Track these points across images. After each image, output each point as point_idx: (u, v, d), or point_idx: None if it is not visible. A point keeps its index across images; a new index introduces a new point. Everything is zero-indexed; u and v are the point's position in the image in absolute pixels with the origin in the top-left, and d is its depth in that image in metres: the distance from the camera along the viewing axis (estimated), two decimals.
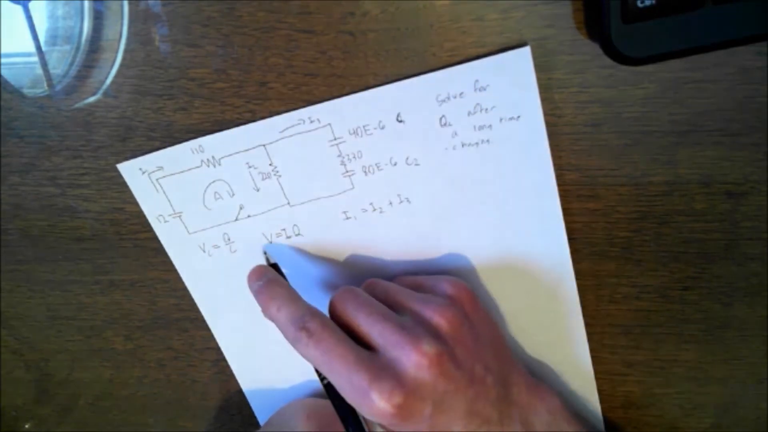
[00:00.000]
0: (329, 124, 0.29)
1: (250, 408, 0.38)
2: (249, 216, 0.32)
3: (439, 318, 0.26)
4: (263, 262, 0.33)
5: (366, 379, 0.25)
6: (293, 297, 0.28)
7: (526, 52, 0.26)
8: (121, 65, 0.29)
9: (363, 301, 0.27)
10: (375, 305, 0.27)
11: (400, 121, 0.28)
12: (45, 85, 0.29)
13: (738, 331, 0.31)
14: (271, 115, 0.29)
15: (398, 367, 0.25)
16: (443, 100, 0.27)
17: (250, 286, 0.30)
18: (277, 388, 0.37)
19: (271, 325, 0.35)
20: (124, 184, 0.32)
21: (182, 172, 0.31)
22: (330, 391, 0.27)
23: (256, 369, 0.37)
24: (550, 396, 0.30)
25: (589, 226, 0.30)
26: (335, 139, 0.29)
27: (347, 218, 0.31)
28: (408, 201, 0.30)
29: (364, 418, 0.27)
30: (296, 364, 0.36)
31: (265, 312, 0.29)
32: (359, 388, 0.25)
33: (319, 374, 0.28)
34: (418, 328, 0.26)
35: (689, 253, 0.30)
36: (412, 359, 0.25)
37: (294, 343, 0.27)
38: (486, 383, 0.27)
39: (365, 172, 0.30)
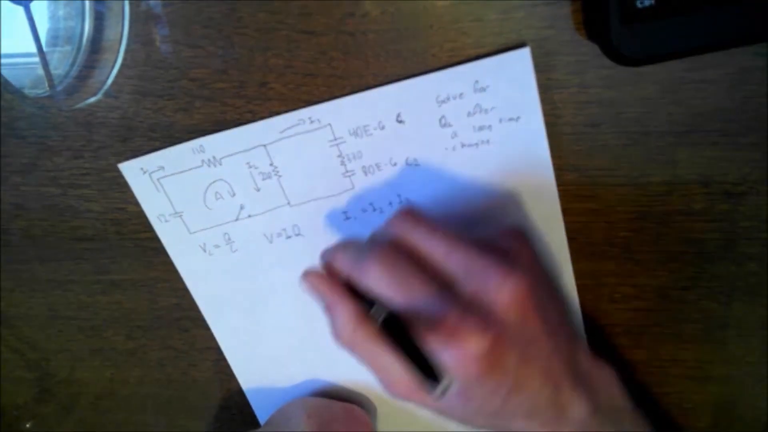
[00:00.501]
0: (329, 125, 0.29)
1: (250, 407, 0.38)
2: (249, 216, 0.32)
3: (520, 248, 0.24)
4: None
5: (455, 316, 0.22)
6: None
7: (525, 52, 0.26)
8: (122, 66, 0.29)
9: (430, 225, 0.24)
10: (444, 228, 0.24)
11: (400, 122, 0.28)
12: (46, 85, 0.29)
13: (737, 331, 0.31)
14: (271, 116, 0.29)
15: (487, 299, 0.22)
16: (443, 101, 0.27)
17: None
18: (278, 388, 0.37)
19: (271, 324, 0.35)
20: (125, 184, 0.32)
21: (183, 171, 0.31)
22: (392, 325, 0.23)
23: (257, 368, 0.37)
24: (609, 367, 0.28)
25: (588, 226, 0.30)
26: (335, 139, 0.29)
27: (347, 218, 0.31)
28: (408, 201, 0.30)
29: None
30: (296, 364, 0.37)
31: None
32: (445, 327, 0.22)
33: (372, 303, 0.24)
34: (501, 256, 0.23)
35: (688, 253, 0.30)
36: (505, 290, 0.22)
37: (366, 269, 0.24)
38: (559, 337, 0.24)
39: (365, 172, 0.30)
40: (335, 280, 0.26)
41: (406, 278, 0.23)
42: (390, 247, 0.24)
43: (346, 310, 0.25)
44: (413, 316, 0.23)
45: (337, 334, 0.26)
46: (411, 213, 0.25)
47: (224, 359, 0.37)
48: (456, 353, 0.22)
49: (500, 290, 0.22)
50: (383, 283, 0.24)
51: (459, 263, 0.23)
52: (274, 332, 0.35)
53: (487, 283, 0.22)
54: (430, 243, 0.24)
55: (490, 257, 0.23)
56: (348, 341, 0.25)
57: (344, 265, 0.26)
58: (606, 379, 0.27)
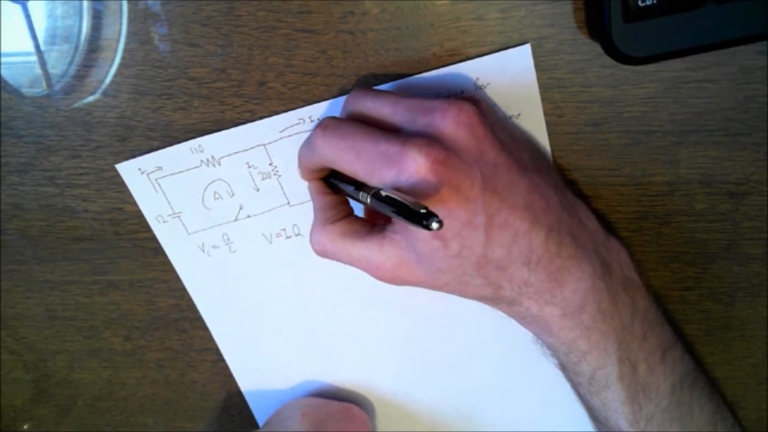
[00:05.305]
0: None
1: (249, 408, 0.38)
2: (249, 216, 0.32)
3: (468, 98, 0.24)
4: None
5: (399, 142, 0.21)
6: None
7: (526, 49, 0.26)
8: (120, 65, 0.29)
9: (377, 91, 0.25)
10: (391, 92, 0.25)
11: None
12: (44, 84, 0.29)
13: (739, 332, 0.31)
14: (270, 115, 0.29)
15: (433, 129, 0.22)
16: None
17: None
18: (276, 389, 0.37)
19: (270, 325, 0.35)
20: (123, 184, 0.31)
21: (181, 172, 0.31)
22: (379, 198, 0.22)
23: (255, 369, 0.37)
24: (621, 242, 0.27)
25: None
26: None
27: None
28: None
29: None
30: (296, 364, 0.36)
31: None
32: (392, 155, 0.21)
33: (359, 191, 0.24)
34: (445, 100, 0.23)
35: (690, 253, 0.30)
36: (449, 116, 0.22)
37: (312, 144, 0.24)
38: (537, 177, 0.24)
39: None
40: (314, 181, 0.27)
41: (353, 136, 0.23)
42: (330, 118, 0.24)
43: (314, 215, 0.27)
44: (372, 169, 0.22)
45: (311, 247, 0.27)
46: (358, 89, 0.26)
47: (223, 360, 0.36)
48: (409, 170, 0.21)
49: (445, 116, 0.22)
50: (336, 151, 0.23)
51: (405, 112, 0.23)
52: (273, 333, 0.35)
53: (433, 117, 0.22)
54: (375, 105, 0.24)
55: (432, 101, 0.23)
56: (320, 250, 0.26)
57: (302, 155, 0.26)
58: (616, 248, 0.26)
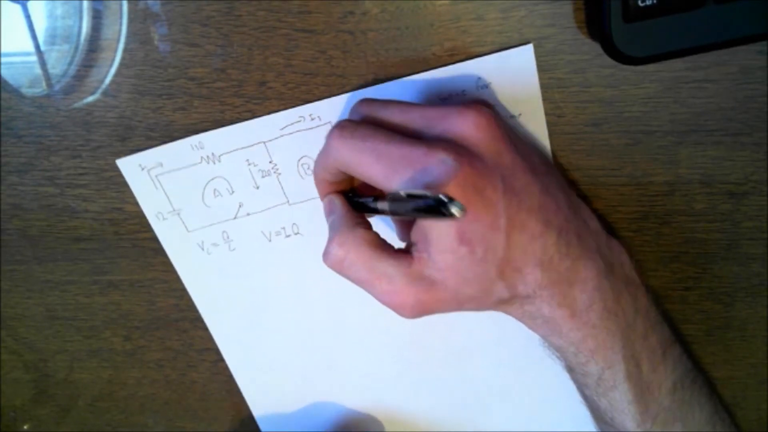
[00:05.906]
0: (330, 122, 0.29)
1: (248, 408, 0.38)
2: (248, 214, 0.32)
3: (481, 103, 0.24)
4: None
5: (423, 144, 0.21)
6: None
7: (528, 49, 0.26)
8: (120, 65, 0.29)
9: (384, 100, 0.25)
10: (398, 101, 0.25)
11: None
12: (44, 84, 0.29)
13: (739, 332, 0.31)
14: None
15: (452, 133, 0.22)
16: (445, 98, 0.27)
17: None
18: (276, 388, 0.37)
19: (270, 324, 0.35)
20: (123, 184, 0.31)
21: (182, 168, 0.31)
22: (397, 199, 0.21)
23: (255, 369, 0.37)
24: (620, 242, 0.27)
25: None
26: None
27: None
28: None
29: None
30: (296, 364, 0.36)
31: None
32: (416, 157, 0.21)
33: (377, 201, 0.23)
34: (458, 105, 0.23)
35: (690, 253, 0.30)
36: (468, 119, 0.22)
37: (328, 146, 0.24)
38: (547, 179, 0.24)
39: None
40: (331, 193, 0.27)
41: (372, 138, 0.23)
42: (347, 120, 0.24)
43: (336, 223, 0.25)
44: (392, 172, 0.22)
45: (329, 253, 0.25)
46: (363, 99, 0.26)
47: (223, 360, 0.36)
48: (435, 172, 0.21)
49: (463, 121, 0.22)
50: (353, 153, 0.23)
51: (418, 119, 0.24)
52: (272, 332, 0.35)
53: (451, 121, 0.23)
54: (384, 113, 0.24)
55: (446, 106, 0.23)
56: (340, 257, 0.24)
57: (317, 165, 0.26)
58: (617, 248, 0.27)
